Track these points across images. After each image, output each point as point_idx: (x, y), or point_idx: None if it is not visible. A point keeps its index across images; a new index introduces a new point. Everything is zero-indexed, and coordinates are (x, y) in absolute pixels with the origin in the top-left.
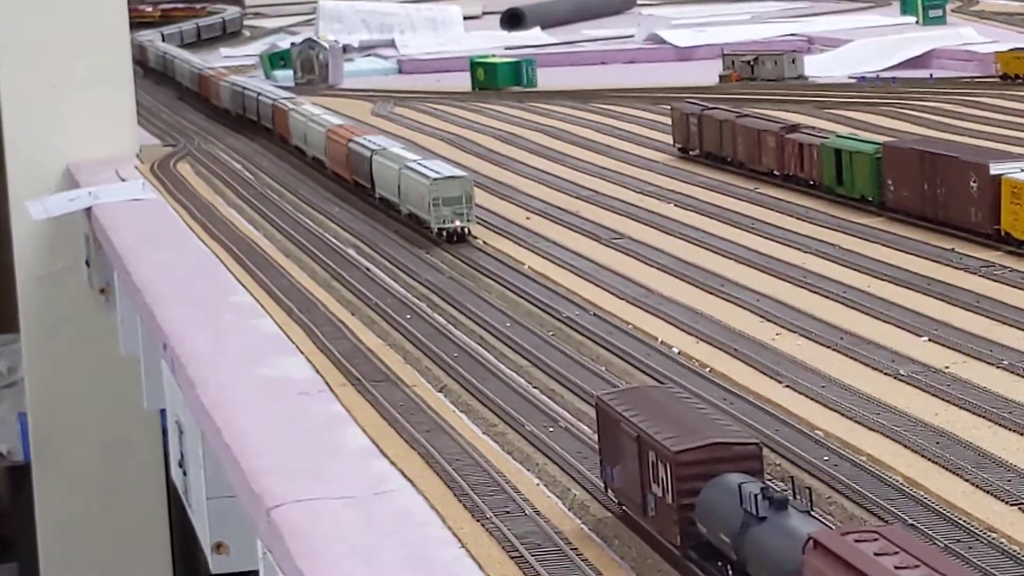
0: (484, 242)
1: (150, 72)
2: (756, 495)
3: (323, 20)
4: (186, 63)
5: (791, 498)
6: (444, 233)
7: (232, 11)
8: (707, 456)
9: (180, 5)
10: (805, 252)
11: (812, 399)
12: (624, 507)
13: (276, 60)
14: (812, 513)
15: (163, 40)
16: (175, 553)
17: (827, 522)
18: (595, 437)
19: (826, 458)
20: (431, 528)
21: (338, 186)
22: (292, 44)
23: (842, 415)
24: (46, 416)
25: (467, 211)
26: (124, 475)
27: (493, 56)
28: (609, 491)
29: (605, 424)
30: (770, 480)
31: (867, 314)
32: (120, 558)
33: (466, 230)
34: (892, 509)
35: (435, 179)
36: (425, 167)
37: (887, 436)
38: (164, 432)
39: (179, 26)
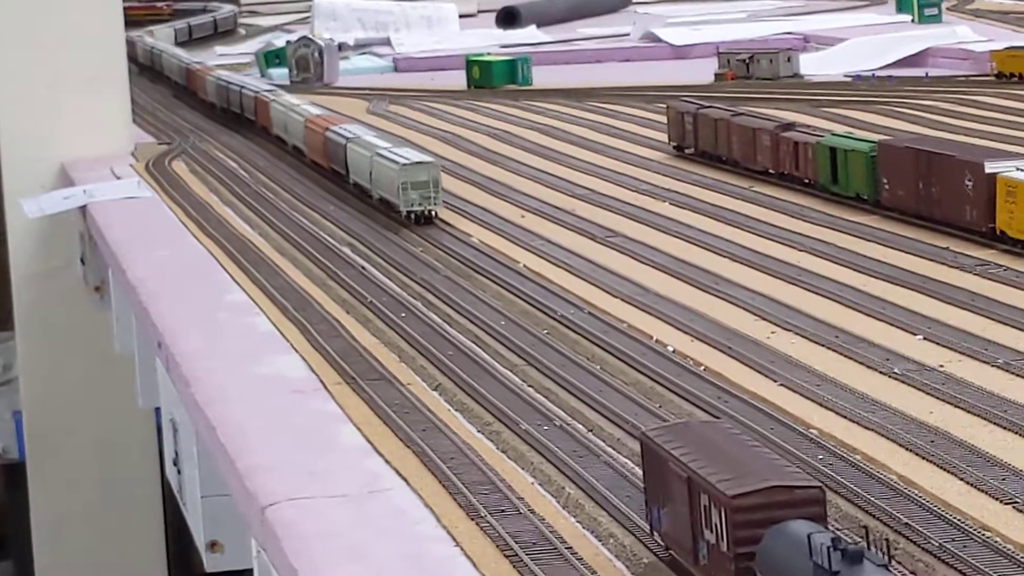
0: (479, 240)
1: (140, 68)
2: (828, 547)
3: (319, 18)
4: (174, 58)
5: (866, 550)
6: (412, 216)
7: (227, 9)
8: (766, 501)
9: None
10: (800, 250)
11: (807, 397)
12: (672, 552)
13: (271, 58)
14: (890, 568)
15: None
16: (169, 551)
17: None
18: (590, 436)
19: (820, 456)
20: (425, 526)
21: (319, 175)
22: (287, 42)
23: (837, 413)
24: (41, 414)
25: (434, 195)
26: (119, 473)
27: (488, 54)
28: (655, 534)
29: (651, 462)
30: (839, 528)
31: (862, 312)
32: (114, 556)
33: (433, 213)
34: (887, 508)
35: (404, 165)
36: (395, 154)
37: (882, 435)
38: (159, 430)
39: (172, 24)
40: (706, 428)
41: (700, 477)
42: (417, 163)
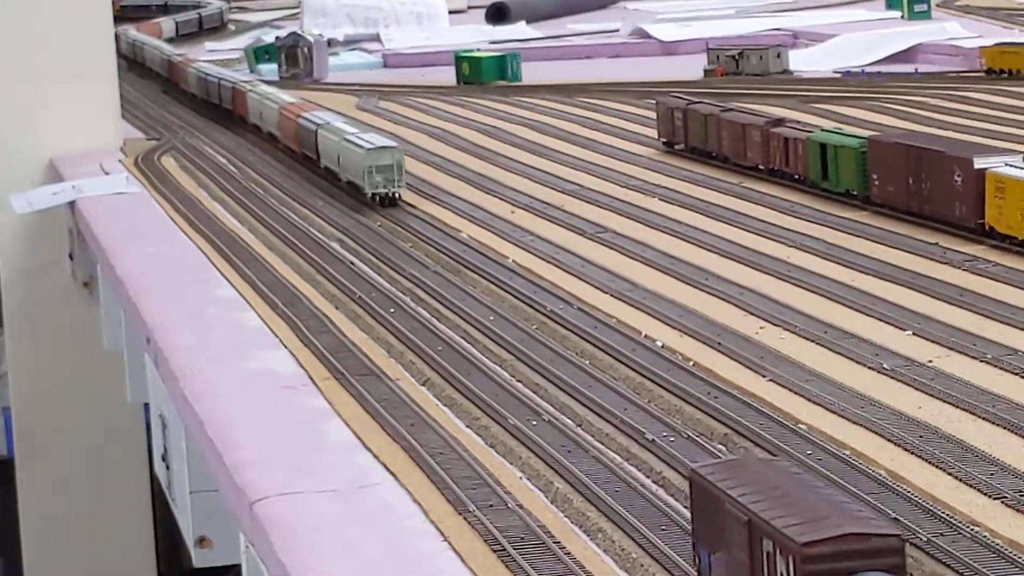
0: (468, 235)
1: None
2: None
3: (308, 14)
4: (156, 50)
5: None
6: (377, 197)
7: (216, 5)
8: (840, 549)
9: None
10: (790, 246)
11: (796, 393)
12: None
13: (261, 54)
14: None
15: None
16: (158, 547)
17: None
18: (578, 431)
19: (809, 452)
20: (414, 521)
21: (307, 169)
22: (277, 38)
23: (826, 409)
24: (29, 410)
25: (397, 178)
26: (108, 469)
27: (478, 50)
28: None
29: (702, 502)
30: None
31: (851, 308)
32: (103, 552)
33: (397, 195)
34: (876, 503)
35: (369, 149)
36: (362, 139)
37: (871, 430)
38: (147, 426)
39: (159, 21)
40: (765, 466)
41: (764, 521)
42: (382, 148)
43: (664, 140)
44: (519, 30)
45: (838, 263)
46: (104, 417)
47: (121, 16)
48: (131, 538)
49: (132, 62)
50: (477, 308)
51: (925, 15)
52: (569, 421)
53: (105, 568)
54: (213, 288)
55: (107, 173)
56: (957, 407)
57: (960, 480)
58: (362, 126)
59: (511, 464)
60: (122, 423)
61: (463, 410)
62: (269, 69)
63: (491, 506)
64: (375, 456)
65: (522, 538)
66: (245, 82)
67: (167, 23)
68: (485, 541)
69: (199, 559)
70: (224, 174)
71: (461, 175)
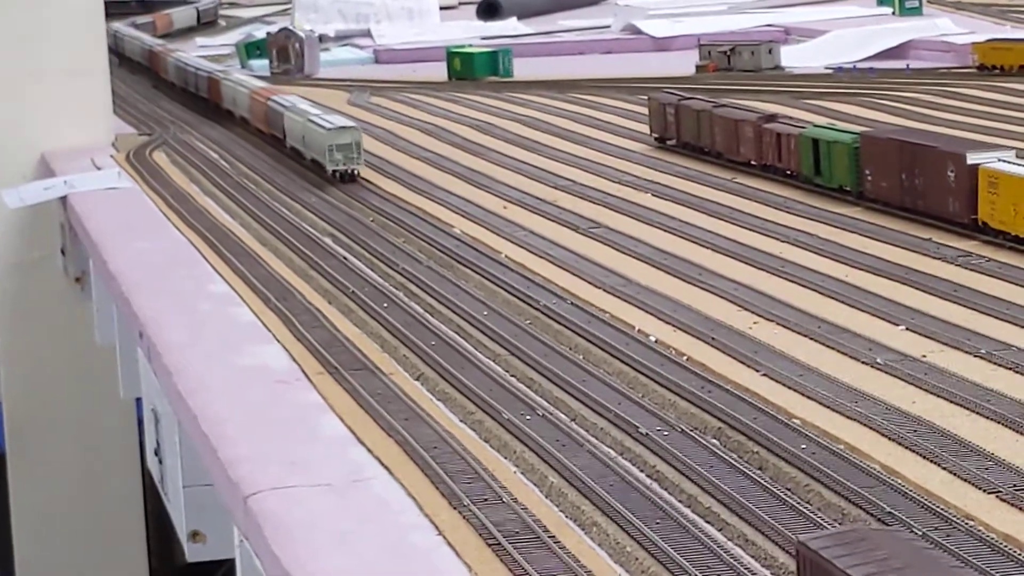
0: (461, 231)
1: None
2: None
3: (299, 10)
4: (135, 39)
5: None
6: (337, 174)
7: (208, 0)
8: None
9: None
10: (783, 242)
11: (790, 387)
12: None
13: (252, 49)
14: None
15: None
16: (150, 542)
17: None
18: (572, 425)
19: (803, 446)
20: (408, 516)
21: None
22: (268, 33)
23: (820, 403)
24: (21, 405)
25: (356, 156)
26: (99, 464)
27: (470, 46)
28: None
29: None
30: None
31: (845, 303)
32: (95, 547)
33: (356, 172)
34: (870, 497)
35: (330, 129)
36: (324, 120)
37: (865, 424)
38: (139, 421)
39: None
40: (885, 539)
41: None
42: (342, 128)
43: (656, 136)
44: (510, 26)
45: (831, 258)
46: (96, 412)
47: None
48: (123, 533)
49: (111, 52)
50: (470, 303)
51: (916, 11)
52: (563, 415)
53: (96, 563)
54: (206, 283)
55: (99, 168)
56: (951, 402)
57: (954, 474)
58: (325, 109)
59: (505, 458)
60: (114, 418)
61: (457, 404)
62: (260, 65)
63: (486, 500)
64: (369, 451)
65: (517, 532)
66: (219, 70)
67: (181, 13)
68: (480, 535)
69: (192, 554)
70: (216, 169)
71: (453, 171)
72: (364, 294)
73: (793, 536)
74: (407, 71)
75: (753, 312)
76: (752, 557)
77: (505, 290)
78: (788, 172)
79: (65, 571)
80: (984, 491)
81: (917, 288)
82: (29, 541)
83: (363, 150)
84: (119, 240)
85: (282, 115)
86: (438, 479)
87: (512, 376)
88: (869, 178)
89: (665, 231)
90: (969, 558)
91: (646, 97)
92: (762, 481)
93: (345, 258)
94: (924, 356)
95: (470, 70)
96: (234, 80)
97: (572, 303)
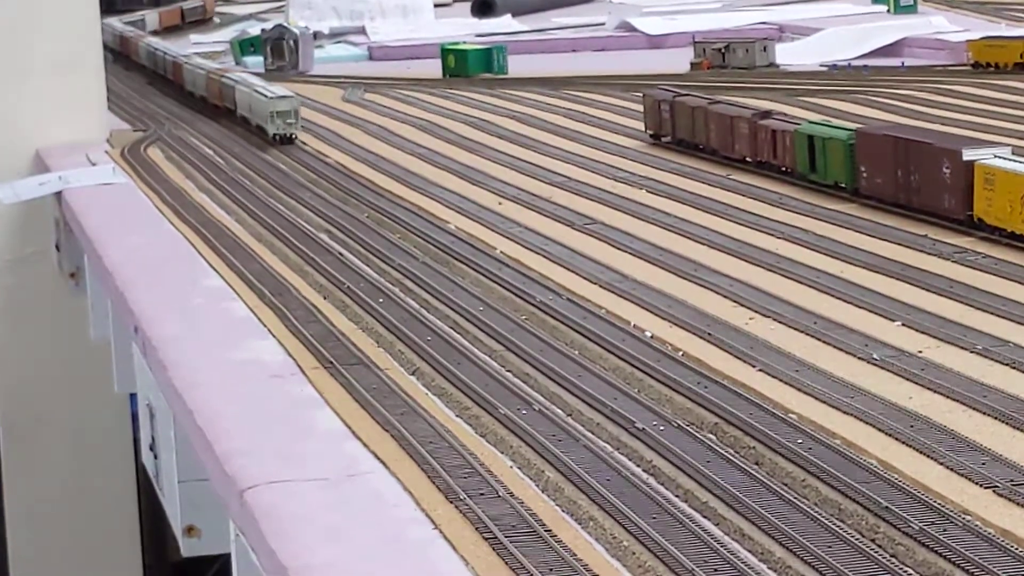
0: (457, 227)
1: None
2: None
3: (293, 7)
4: (108, 26)
5: None
6: (277, 137)
7: None
8: None
9: None
10: (778, 238)
11: (786, 383)
12: None
13: (246, 46)
14: None
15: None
16: (144, 538)
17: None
18: (568, 420)
19: (800, 441)
20: (404, 510)
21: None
22: (262, 30)
23: (816, 399)
24: (15, 401)
25: (294, 122)
26: (94, 459)
27: (464, 43)
28: None
29: None
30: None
31: (840, 299)
32: (89, 542)
33: (293, 136)
34: (867, 492)
35: (271, 98)
36: (267, 90)
37: (861, 420)
38: (133, 416)
39: (143, 13)
40: None
41: None
42: (281, 96)
43: (651, 132)
44: (505, 23)
45: (827, 255)
46: (90, 408)
47: None
48: (117, 528)
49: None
50: (466, 298)
51: (911, 9)
52: (559, 410)
53: (90, 558)
54: (200, 278)
55: (93, 164)
56: (947, 397)
57: (951, 469)
58: (267, 79)
59: (502, 453)
60: (108, 414)
61: (453, 399)
62: (254, 62)
63: (482, 495)
64: (364, 445)
65: (513, 526)
66: (183, 56)
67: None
68: (476, 529)
69: (187, 548)
70: (211, 165)
71: (448, 167)
72: (360, 289)
73: (789, 531)
74: (401, 68)
75: (749, 308)
76: (748, 552)
77: (501, 286)
78: (783, 168)
79: (59, 566)
80: (980, 486)
81: (913, 284)
82: (23, 536)
83: (300, 117)
84: (114, 235)
85: (233, 88)
86: (434, 473)
87: (508, 371)
88: (864, 174)
89: (660, 227)
90: (966, 553)
91: (641, 94)
92: (758, 476)
93: (340, 253)
94: (920, 352)
95: (464, 67)
96: (193, 64)
97: (568, 299)
